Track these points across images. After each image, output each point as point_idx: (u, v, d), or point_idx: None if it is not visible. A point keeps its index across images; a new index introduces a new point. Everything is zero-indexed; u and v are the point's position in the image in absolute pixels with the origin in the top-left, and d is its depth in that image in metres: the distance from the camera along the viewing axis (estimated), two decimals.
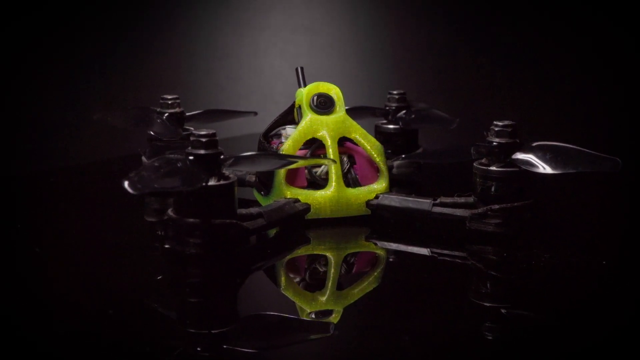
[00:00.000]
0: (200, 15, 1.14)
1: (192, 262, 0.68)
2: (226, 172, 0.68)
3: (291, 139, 0.77)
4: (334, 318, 0.60)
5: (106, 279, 0.67)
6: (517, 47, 1.06)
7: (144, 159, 0.88)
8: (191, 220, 0.66)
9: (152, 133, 0.86)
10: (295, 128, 0.80)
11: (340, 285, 0.67)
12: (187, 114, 0.89)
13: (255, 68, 0.86)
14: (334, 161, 0.75)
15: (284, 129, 0.81)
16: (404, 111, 0.91)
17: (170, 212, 0.67)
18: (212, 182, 0.66)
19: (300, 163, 0.75)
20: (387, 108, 0.92)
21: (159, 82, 1.19)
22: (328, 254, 0.73)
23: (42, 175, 1.00)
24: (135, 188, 0.61)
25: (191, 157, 0.66)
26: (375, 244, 0.75)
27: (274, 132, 0.82)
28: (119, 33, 1.23)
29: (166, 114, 0.87)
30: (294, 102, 0.81)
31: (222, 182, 0.67)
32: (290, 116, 0.82)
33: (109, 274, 0.69)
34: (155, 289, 0.67)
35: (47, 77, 1.19)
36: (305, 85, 0.85)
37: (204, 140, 0.66)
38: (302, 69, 0.85)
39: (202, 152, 0.66)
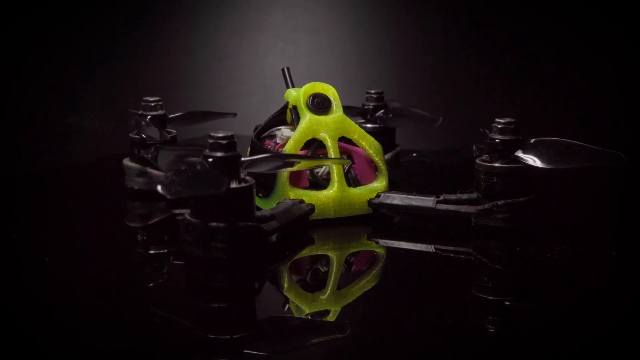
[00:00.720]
0: (200, 15, 1.12)
1: (215, 266, 0.67)
2: (242, 174, 0.67)
3: (293, 139, 0.76)
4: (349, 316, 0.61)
5: (120, 285, 0.66)
6: (517, 46, 1.07)
7: (125, 162, 0.86)
8: (215, 224, 0.65)
9: (143, 136, 0.84)
10: (290, 129, 0.80)
11: (352, 284, 0.67)
12: (169, 116, 0.88)
13: (255, 68, 0.86)
14: (353, 162, 0.75)
15: (279, 129, 0.81)
16: (382, 110, 0.92)
17: (187, 216, 0.66)
18: (233, 185, 0.65)
19: (318, 162, 0.75)
20: (366, 107, 0.93)
21: (159, 82, 1.17)
22: (336, 254, 0.73)
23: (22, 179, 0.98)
24: (171, 193, 0.60)
25: (211, 160, 0.65)
26: (378, 242, 0.76)
27: (267, 133, 0.81)
28: (119, 33, 1.20)
29: (149, 117, 0.86)
30: (287, 102, 0.81)
31: (242, 184, 0.66)
32: (282, 117, 0.81)
33: (124, 280, 0.68)
34: (177, 294, 0.66)
35: (46, 77, 1.15)
36: (293, 86, 0.85)
37: (224, 142, 0.66)
38: (288, 69, 0.84)
39: (223, 154, 0.65)
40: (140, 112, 0.86)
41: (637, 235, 0.77)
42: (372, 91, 0.93)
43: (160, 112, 0.86)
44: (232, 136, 0.66)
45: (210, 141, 0.66)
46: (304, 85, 0.80)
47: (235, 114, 0.92)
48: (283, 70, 0.85)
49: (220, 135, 0.66)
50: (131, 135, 0.86)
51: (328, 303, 0.63)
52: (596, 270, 0.69)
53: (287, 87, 0.85)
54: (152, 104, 0.86)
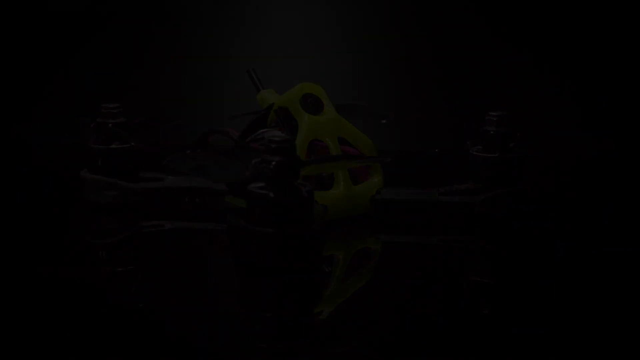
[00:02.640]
0: (199, 15, 1.04)
1: (278, 273, 0.64)
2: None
3: (299, 141, 0.75)
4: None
5: (171, 298, 0.62)
6: (515, 46, 1.08)
7: (85, 174, 0.79)
8: (293, 231, 0.62)
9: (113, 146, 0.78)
10: (281, 132, 0.78)
11: (367, 280, 0.68)
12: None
13: (255, 68, 0.83)
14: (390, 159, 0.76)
15: (269, 132, 0.79)
16: None
17: (250, 225, 0.63)
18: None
19: (356, 163, 0.75)
20: None
21: (159, 83, 1.07)
22: (343, 252, 0.74)
23: None
24: (279, 202, 0.57)
25: (274, 163, 0.63)
26: (382, 239, 0.77)
27: (253, 136, 0.79)
28: (117, 32, 1.08)
29: (110, 124, 0.80)
30: (271, 104, 0.79)
31: (308, 188, 0.64)
32: (264, 119, 0.79)
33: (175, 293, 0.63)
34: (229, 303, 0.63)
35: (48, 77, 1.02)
36: (262, 87, 0.84)
37: (286, 146, 0.64)
38: (254, 70, 0.83)
39: (287, 158, 0.63)
40: (98, 119, 0.80)
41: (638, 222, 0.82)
42: None
43: (120, 119, 0.80)
44: (290, 139, 0.64)
45: (273, 145, 0.63)
46: (284, 87, 0.79)
47: (179, 122, 0.88)
48: (249, 71, 0.83)
49: (280, 139, 0.64)
50: (93, 145, 0.79)
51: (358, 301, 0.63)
52: (599, 258, 0.72)
53: (258, 90, 0.83)
54: (114, 111, 0.80)
